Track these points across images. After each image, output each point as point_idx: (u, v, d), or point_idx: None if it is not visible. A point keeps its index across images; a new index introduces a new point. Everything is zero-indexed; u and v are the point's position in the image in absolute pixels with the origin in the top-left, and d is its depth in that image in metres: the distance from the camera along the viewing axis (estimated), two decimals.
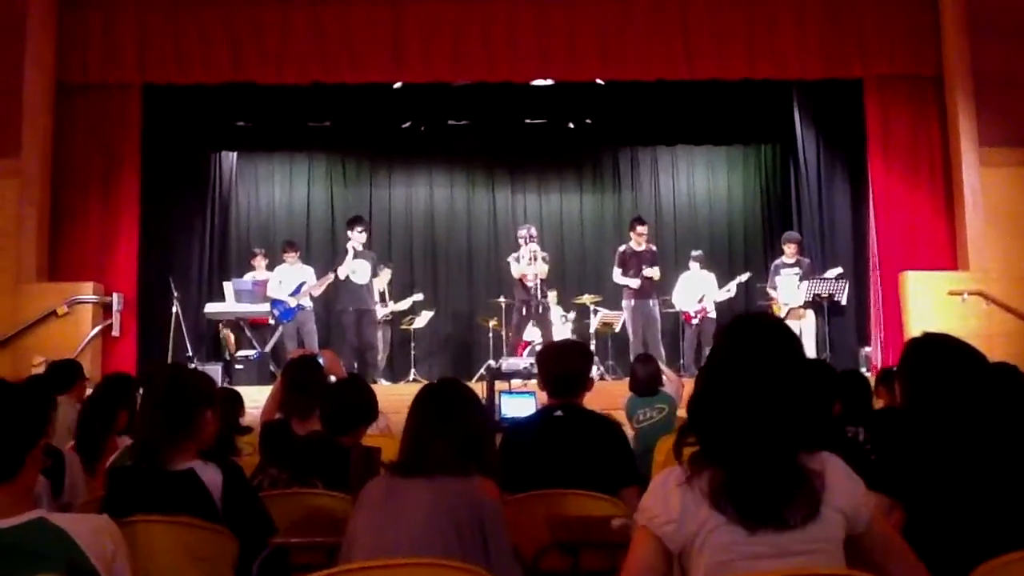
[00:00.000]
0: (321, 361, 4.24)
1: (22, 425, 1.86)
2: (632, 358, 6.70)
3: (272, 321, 9.58)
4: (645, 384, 5.50)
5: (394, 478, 2.39)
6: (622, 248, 9.59)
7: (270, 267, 9.92)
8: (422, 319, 10.71)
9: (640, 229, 9.56)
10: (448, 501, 2.28)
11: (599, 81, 9.47)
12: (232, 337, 9.83)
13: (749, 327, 1.95)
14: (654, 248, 9.67)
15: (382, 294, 10.23)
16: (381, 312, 10.01)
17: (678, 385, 5.92)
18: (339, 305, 9.38)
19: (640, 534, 1.82)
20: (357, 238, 9.27)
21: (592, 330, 10.30)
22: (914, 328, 8.21)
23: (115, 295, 8.28)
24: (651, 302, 9.37)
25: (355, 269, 9.16)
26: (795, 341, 1.95)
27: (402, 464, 2.41)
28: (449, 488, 2.31)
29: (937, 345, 2.45)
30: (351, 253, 9.18)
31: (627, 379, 5.79)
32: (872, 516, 1.83)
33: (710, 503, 1.73)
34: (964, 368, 2.36)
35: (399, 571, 2.05)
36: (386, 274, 10.47)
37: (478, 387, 7.81)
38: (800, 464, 1.76)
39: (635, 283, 9.34)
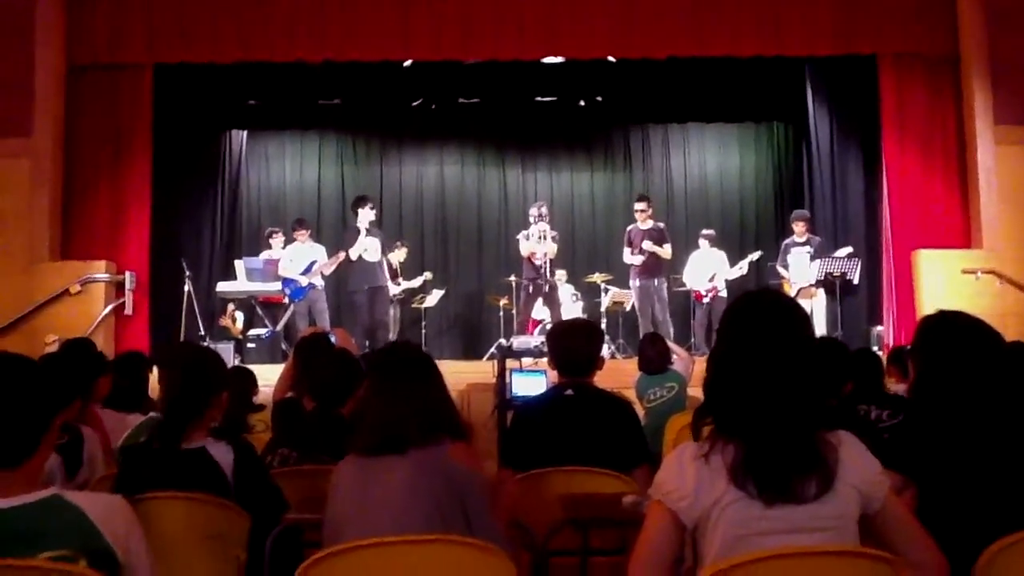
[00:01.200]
0: (333, 339, 4.26)
1: (40, 404, 1.83)
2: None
3: (285, 300, 9.60)
4: (654, 362, 5.49)
5: (366, 459, 2.34)
6: (630, 227, 9.57)
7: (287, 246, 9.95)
8: (432, 298, 10.72)
9: (638, 206, 9.52)
10: (425, 478, 2.25)
11: (610, 58, 9.40)
12: (234, 322, 9.85)
13: (759, 303, 1.94)
14: (662, 226, 9.62)
15: (394, 271, 10.21)
16: (394, 290, 10.01)
17: (688, 362, 5.91)
18: (352, 284, 9.31)
19: (654, 509, 1.83)
20: (366, 216, 9.23)
21: (603, 309, 10.29)
22: (927, 307, 8.17)
23: (127, 274, 8.31)
24: (656, 281, 9.32)
25: (367, 247, 9.14)
26: (805, 317, 1.95)
27: (372, 444, 2.34)
28: (424, 463, 2.27)
29: (951, 323, 2.44)
30: (363, 232, 9.15)
31: (638, 357, 5.78)
32: (887, 495, 1.83)
33: (729, 477, 1.74)
34: (978, 346, 2.34)
35: (414, 547, 2.07)
36: (401, 252, 10.46)
37: (489, 365, 7.85)
38: (816, 439, 1.77)
39: (638, 260, 9.31)
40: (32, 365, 1.87)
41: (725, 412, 1.83)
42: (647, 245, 9.23)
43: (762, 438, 1.75)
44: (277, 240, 9.89)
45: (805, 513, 1.73)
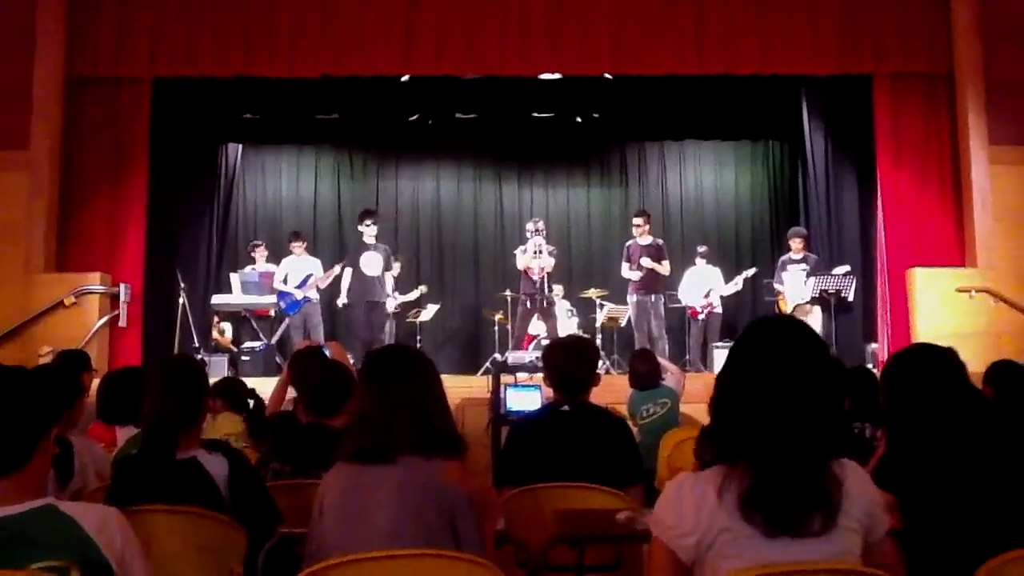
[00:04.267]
0: (327, 353, 4.24)
1: (34, 413, 1.84)
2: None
3: (272, 313, 9.59)
4: (646, 378, 5.46)
5: (354, 468, 2.27)
6: (628, 242, 9.58)
7: (270, 259, 9.94)
8: (428, 312, 10.71)
9: (636, 221, 9.53)
10: (413, 498, 2.19)
11: (607, 75, 9.45)
12: (221, 334, 9.85)
13: (775, 330, 1.89)
14: (661, 242, 9.62)
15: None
16: (391, 305, 9.99)
17: (680, 377, 5.90)
18: (350, 298, 9.22)
19: (656, 547, 1.80)
20: (369, 231, 9.22)
21: (598, 324, 10.30)
22: (921, 325, 8.20)
23: (122, 286, 8.30)
24: (653, 296, 9.30)
25: (368, 262, 9.11)
26: (825, 347, 1.90)
27: (362, 450, 2.27)
28: (413, 479, 2.21)
29: (914, 361, 2.49)
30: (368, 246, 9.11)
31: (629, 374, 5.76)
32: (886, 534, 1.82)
33: (735, 509, 1.70)
34: (937, 389, 2.39)
35: (406, 562, 2.05)
36: (395, 267, 10.46)
37: (484, 380, 7.84)
38: (826, 472, 1.74)
39: (636, 276, 9.31)
40: (28, 376, 1.88)
41: (735, 440, 1.78)
42: (646, 262, 9.23)
43: (773, 469, 1.71)
44: (260, 253, 9.90)
45: (810, 547, 1.70)
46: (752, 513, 1.69)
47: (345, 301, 9.23)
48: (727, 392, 1.84)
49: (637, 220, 9.54)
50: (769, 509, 1.69)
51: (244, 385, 5.08)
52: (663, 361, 6.01)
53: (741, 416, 1.78)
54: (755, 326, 1.93)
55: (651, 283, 9.30)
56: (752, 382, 1.80)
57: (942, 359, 2.45)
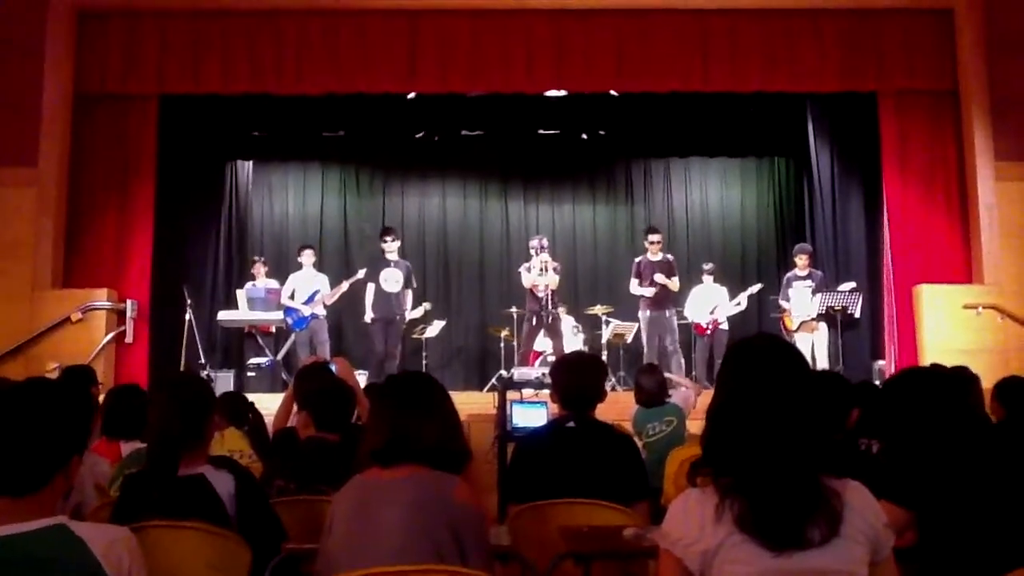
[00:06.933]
0: (334, 369, 4.25)
1: (59, 440, 1.82)
2: None
3: (273, 329, 9.59)
4: (652, 395, 5.42)
5: (365, 484, 2.31)
6: (638, 259, 9.56)
7: (271, 275, 9.95)
8: (434, 328, 10.70)
9: (652, 238, 9.52)
10: (424, 512, 2.21)
11: (612, 92, 9.47)
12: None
13: (753, 350, 1.92)
14: (671, 258, 9.59)
15: None
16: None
17: (691, 393, 5.86)
18: (373, 313, 9.21)
19: (664, 559, 1.81)
20: (390, 248, 9.24)
21: (604, 341, 10.28)
22: (928, 341, 8.18)
23: (129, 302, 8.32)
24: (667, 312, 9.28)
25: (387, 278, 9.12)
26: (802, 358, 1.93)
27: (385, 451, 2.30)
28: (424, 493, 2.23)
29: (909, 384, 2.50)
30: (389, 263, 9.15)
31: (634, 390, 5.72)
32: (891, 551, 1.81)
33: (736, 526, 1.71)
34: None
35: None
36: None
37: (489, 396, 7.83)
38: (820, 484, 1.74)
39: (649, 292, 9.29)
40: (58, 401, 1.86)
41: (723, 461, 1.81)
42: (659, 278, 9.21)
43: (765, 489, 1.72)
44: (259, 268, 9.91)
45: (814, 558, 1.70)
46: (749, 532, 1.70)
47: (372, 316, 9.17)
48: (712, 415, 1.88)
49: (653, 237, 9.47)
50: (763, 527, 1.70)
51: (245, 399, 5.07)
52: (677, 376, 5.98)
53: (725, 437, 1.82)
54: (732, 349, 1.97)
55: (664, 299, 9.28)
56: (731, 403, 1.84)
57: (938, 380, 2.46)
